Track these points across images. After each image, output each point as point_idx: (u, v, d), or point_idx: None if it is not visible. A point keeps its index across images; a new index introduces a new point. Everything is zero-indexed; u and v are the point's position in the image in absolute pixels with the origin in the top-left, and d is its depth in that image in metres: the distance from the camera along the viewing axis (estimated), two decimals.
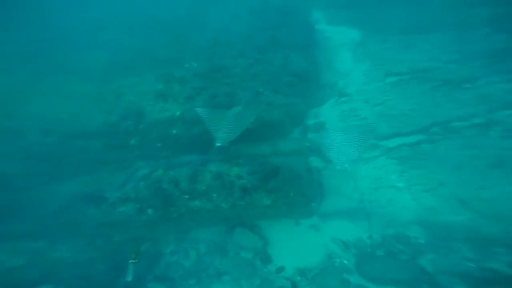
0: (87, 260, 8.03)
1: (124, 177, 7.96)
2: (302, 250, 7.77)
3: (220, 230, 8.49)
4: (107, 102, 8.34)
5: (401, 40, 9.35)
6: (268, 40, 9.30)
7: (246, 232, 8.18)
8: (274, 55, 9.40)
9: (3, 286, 7.20)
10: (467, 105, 7.71)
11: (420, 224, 7.05)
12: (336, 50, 10.24)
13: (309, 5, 12.16)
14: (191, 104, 8.12)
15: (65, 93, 8.27)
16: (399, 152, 7.80)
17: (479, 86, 7.89)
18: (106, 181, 7.84)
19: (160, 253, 8.65)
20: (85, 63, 8.74)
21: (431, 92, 8.29)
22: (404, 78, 8.82)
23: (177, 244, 8.65)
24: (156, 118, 8.14)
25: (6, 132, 7.57)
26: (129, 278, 5.65)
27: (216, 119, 7.00)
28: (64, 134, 7.87)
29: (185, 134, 8.22)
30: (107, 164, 8.26)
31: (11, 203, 7.57)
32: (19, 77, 8.32)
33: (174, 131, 8.17)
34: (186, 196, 7.65)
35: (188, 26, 11.50)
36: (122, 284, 8.24)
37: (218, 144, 6.60)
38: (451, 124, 7.60)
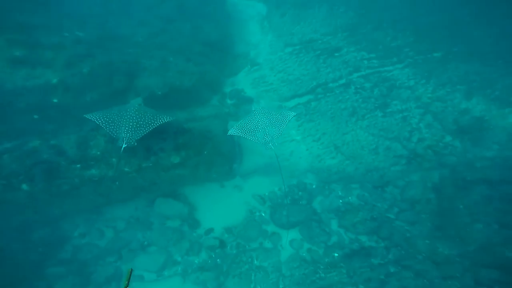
0: None
1: None
2: (228, 210, 8.07)
3: (141, 204, 8.06)
4: None
5: (296, 14, 10.47)
6: (174, 9, 8.93)
7: (169, 201, 7.95)
8: (182, 25, 8.91)
9: None
10: (337, 70, 9.37)
11: (312, 171, 8.27)
12: (246, 22, 10.70)
13: None
14: (74, 70, 6.87)
15: None
16: (297, 110, 8.91)
17: (343, 55, 9.66)
18: None
19: (65, 237, 7.76)
20: None
21: (315, 59, 9.65)
22: (296, 48, 10.00)
23: (88, 225, 7.86)
24: (21, 86, 6.95)
25: None
26: None
27: (115, 117, 5.84)
28: None
29: (74, 103, 7.13)
30: None
31: None
32: None
33: (55, 100, 6.95)
34: (78, 165, 6.62)
35: None
36: None
37: (123, 145, 5.60)
38: (328, 85, 9.19)
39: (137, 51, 8.28)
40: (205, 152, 7.48)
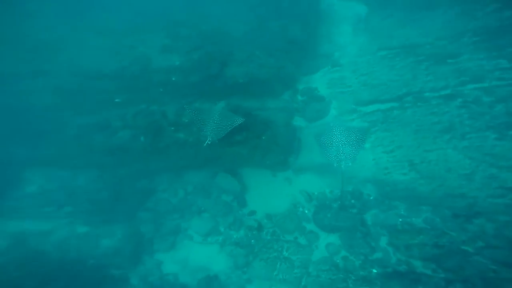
0: (97, 189, 9.15)
1: (127, 111, 8.78)
2: (273, 199, 8.32)
3: (206, 174, 9.16)
4: (121, 52, 9.41)
5: (405, 16, 9.35)
6: (272, 9, 9.84)
7: (228, 177, 8.73)
8: (273, 23, 9.46)
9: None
10: (442, 79, 7.77)
11: (374, 182, 7.44)
12: (338, 23, 10.37)
13: None
14: (189, 56, 8.67)
15: (90, 46, 9.47)
16: (373, 116, 8.09)
17: (460, 62, 7.87)
18: (114, 115, 8.94)
19: (154, 189, 9.62)
20: (109, 23, 9.83)
21: (413, 65, 8.34)
22: (393, 52, 8.92)
23: (169, 183, 9.48)
24: (159, 66, 9.04)
25: (44, 73, 8.97)
26: None
27: (203, 118, 7.03)
28: (86, 76, 9.16)
29: (183, 82, 8.69)
30: (119, 102, 9.45)
31: (42, 131, 8.97)
32: (57, 33, 9.54)
33: (174, 78, 8.72)
34: (172, 128, 8.29)
35: None
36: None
37: (207, 142, 6.69)
38: (423, 94, 7.77)
39: (233, 44, 9.57)
40: (263, 138, 7.99)
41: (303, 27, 9.57)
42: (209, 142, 6.63)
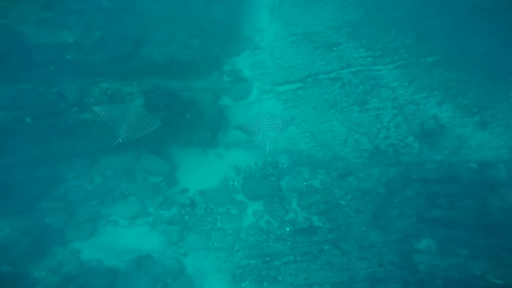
0: None
1: (3, 91, 7.57)
2: (205, 175, 8.60)
3: (128, 157, 8.66)
4: None
5: (305, 5, 10.51)
6: None
7: (153, 157, 8.45)
8: (195, 3, 9.24)
9: None
10: (330, 63, 9.44)
11: (287, 152, 8.58)
12: (257, 8, 10.91)
13: None
14: (87, 33, 7.88)
15: None
16: (285, 95, 9.21)
17: (340, 50, 9.64)
18: None
19: (60, 178, 8.64)
20: None
21: (312, 50, 9.75)
22: (299, 38, 10.09)
23: (82, 169, 8.64)
24: (41, 42, 7.61)
25: None
26: None
27: (118, 115, 6.29)
28: None
29: (83, 60, 7.90)
30: None
31: None
32: None
33: (69, 57, 7.80)
34: (75, 109, 7.61)
35: None
36: None
37: (119, 140, 6.10)
38: (318, 76, 9.34)
39: (148, 23, 8.94)
40: (188, 116, 8.00)
41: (226, 9, 9.65)
42: (120, 141, 6.08)
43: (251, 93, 9.33)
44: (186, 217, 8.09)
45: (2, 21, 7.57)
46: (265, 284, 7.28)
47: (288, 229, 7.80)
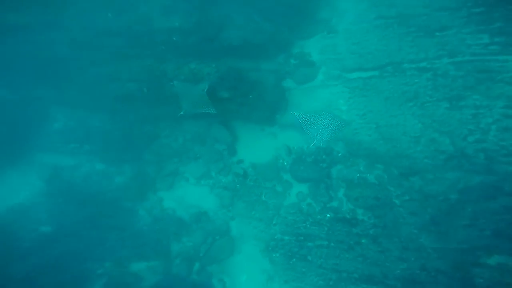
0: (110, 130, 10.52)
1: (134, 66, 9.79)
2: (259, 150, 9.22)
3: (202, 124, 9.95)
4: (126, 10, 10.10)
5: None
6: None
7: (222, 128, 9.58)
8: None
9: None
10: (424, 51, 8.09)
11: (344, 141, 8.20)
12: None
13: None
14: (188, 18, 9.33)
15: (97, 1, 10.21)
16: (354, 83, 8.62)
17: (447, 35, 8.11)
18: (122, 68, 9.97)
19: (158, 134, 10.63)
20: None
21: (402, 36, 8.58)
22: (388, 21, 9.04)
23: (171, 130, 10.40)
24: (161, 26, 9.48)
25: (57, 26, 9.92)
26: None
27: (183, 93, 7.78)
28: (96, 31, 10.04)
29: (182, 42, 9.41)
30: (128, 57, 10.44)
31: (63, 77, 10.18)
32: None
33: (174, 38, 9.46)
34: (171, 83, 9.16)
35: None
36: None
37: (181, 113, 7.61)
38: (402, 65, 8.24)
39: (231, 7, 10.01)
40: (250, 97, 8.79)
41: None
42: (182, 113, 7.61)
43: (316, 78, 9.25)
44: (238, 185, 8.94)
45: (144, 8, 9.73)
46: (294, 259, 7.56)
47: (328, 215, 7.72)
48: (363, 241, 7.14)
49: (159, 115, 10.56)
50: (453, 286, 6.34)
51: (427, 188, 7.06)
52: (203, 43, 9.66)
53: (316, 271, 7.55)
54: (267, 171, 8.77)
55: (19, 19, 9.68)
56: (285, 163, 8.74)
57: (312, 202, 8.00)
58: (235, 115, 9.33)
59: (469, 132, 7.10)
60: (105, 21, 10.02)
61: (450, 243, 6.55)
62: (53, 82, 10.22)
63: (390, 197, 7.32)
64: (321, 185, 8.02)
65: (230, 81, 8.83)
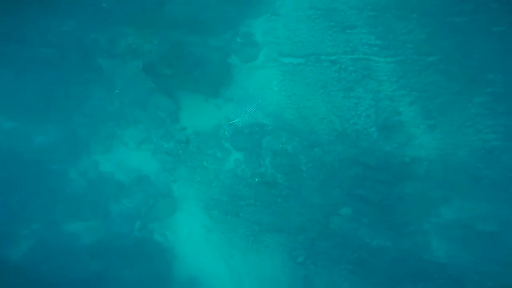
0: (19, 89, 9.78)
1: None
2: (203, 119, 9.82)
3: (143, 91, 9.88)
4: None
5: None
6: None
7: (164, 97, 9.77)
8: None
9: None
10: (337, 46, 9.79)
11: (274, 116, 9.58)
12: None
13: None
14: None
15: None
16: (287, 67, 9.88)
17: (353, 33, 9.84)
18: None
19: (89, 97, 10.19)
20: None
21: (325, 29, 10.02)
22: (317, 13, 10.25)
23: (106, 93, 10.00)
24: None
25: None
26: None
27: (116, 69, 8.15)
28: None
29: (116, 8, 9.25)
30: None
31: None
32: None
33: (104, 5, 9.13)
34: (104, 54, 9.16)
35: None
36: None
37: (116, 91, 8.11)
38: (321, 57, 9.84)
39: None
40: (194, 73, 9.20)
41: None
42: (117, 91, 7.87)
43: (257, 58, 10.08)
44: (180, 151, 9.59)
45: None
46: (229, 216, 9.00)
47: (257, 180, 9.20)
48: (278, 200, 9.07)
49: (91, 78, 10.18)
50: (321, 231, 8.92)
51: (324, 157, 9.15)
52: (142, 14, 9.43)
53: (245, 224, 9.20)
54: (209, 139, 9.60)
55: None
56: (226, 133, 9.68)
57: (245, 168, 9.36)
58: (178, 87, 9.74)
59: (351, 117, 9.28)
60: None
61: (327, 200, 8.99)
62: None
63: (299, 164, 9.21)
64: (253, 153, 9.38)
65: (173, 58, 9.07)
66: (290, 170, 8.98)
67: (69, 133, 10.20)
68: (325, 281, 8.67)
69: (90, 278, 8.92)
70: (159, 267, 9.07)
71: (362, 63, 9.60)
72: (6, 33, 9.44)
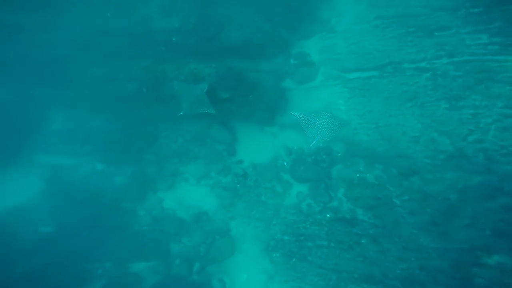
0: (110, 130, 10.29)
1: (133, 66, 9.63)
2: (259, 150, 9.10)
3: (202, 124, 9.83)
4: (125, 11, 10.01)
5: None
6: None
7: (221, 128, 9.46)
8: None
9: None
10: (423, 51, 7.96)
11: (344, 140, 8.08)
12: None
13: None
14: (188, 19, 9.27)
15: (96, 2, 10.13)
16: (354, 83, 8.51)
17: (446, 35, 8.02)
18: (123, 69, 9.64)
19: (158, 135, 10.51)
20: None
21: (402, 36, 8.47)
22: (387, 21, 8.93)
23: (171, 130, 10.27)
24: (160, 27, 9.37)
25: (56, 27, 9.82)
26: None
27: (182, 93, 7.56)
28: (95, 32, 9.96)
29: (182, 42, 9.30)
30: (123, 57, 10.33)
31: (62, 78, 9.84)
32: None
33: (174, 39, 9.34)
34: (171, 83, 8.52)
35: None
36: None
37: (181, 113, 7.38)
38: (401, 65, 8.12)
39: (231, 7, 9.88)
40: (250, 97, 8.65)
41: None
42: (182, 114, 7.41)
43: (315, 78, 9.13)
44: (238, 185, 8.80)
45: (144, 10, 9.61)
46: (294, 259, 7.45)
47: (328, 215, 7.59)
48: (362, 241, 7.01)
49: (159, 116, 10.42)
50: (453, 286, 6.22)
51: (427, 188, 6.94)
52: (203, 44, 9.55)
53: (316, 271, 7.43)
54: (267, 171, 8.65)
55: (18, 20, 9.51)
56: (285, 163, 8.62)
57: (312, 202, 7.88)
58: (234, 115, 9.19)
59: (468, 132, 6.99)
60: (104, 21, 9.88)
61: (450, 243, 6.43)
62: (53, 82, 10.07)
63: (390, 197, 7.19)
64: (321, 185, 7.90)
65: (230, 81, 8.72)
66: (376, 204, 7.10)
67: (140, 172, 10.38)
68: None
69: None
70: None
71: (472, 65, 7.59)
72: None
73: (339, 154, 8.24)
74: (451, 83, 7.53)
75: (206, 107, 7.47)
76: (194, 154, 9.86)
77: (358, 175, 7.77)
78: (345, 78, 8.75)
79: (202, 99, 7.62)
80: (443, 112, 7.40)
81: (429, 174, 7.06)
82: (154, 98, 10.00)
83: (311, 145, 6.45)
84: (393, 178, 7.36)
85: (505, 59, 7.40)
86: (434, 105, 7.58)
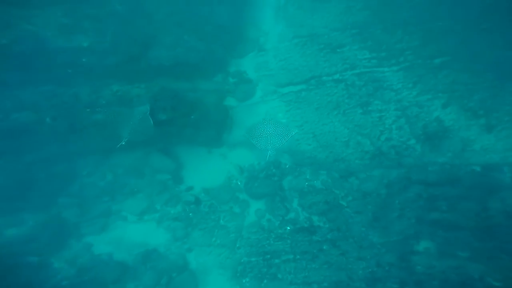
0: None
1: (26, 93, 7.87)
2: (210, 173, 8.64)
3: (138, 155, 8.78)
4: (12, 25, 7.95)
5: (311, 7, 10.34)
6: None
7: (161, 156, 8.59)
8: (201, 7, 9.31)
9: None
10: (334, 65, 9.24)
11: (289, 152, 8.49)
12: (262, 9, 10.78)
13: None
14: (100, 38, 8.07)
15: None
16: (288, 97, 9.10)
17: (344, 51, 9.40)
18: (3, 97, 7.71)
19: (76, 174, 8.80)
20: None
21: (316, 52, 9.55)
22: (303, 40, 9.92)
23: (96, 166, 8.76)
24: (60, 46, 7.81)
25: None
26: None
27: (120, 119, 6.67)
28: None
29: (97, 63, 8.09)
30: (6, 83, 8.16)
31: None
32: None
33: (84, 60, 8.00)
34: (88, 109, 7.83)
35: None
36: None
37: (122, 143, 6.37)
38: (322, 78, 9.17)
39: (156, 27, 9.13)
40: (192, 117, 8.10)
41: (231, 11, 9.74)
42: (123, 143, 6.43)
43: (255, 94, 9.27)
44: (190, 214, 8.14)
45: (31, 27, 7.88)
46: (265, 281, 7.26)
47: (288, 228, 7.72)
48: (324, 247, 7.43)
49: (74, 151, 8.75)
50: (403, 277, 7.03)
51: (363, 186, 7.90)
52: (126, 64, 8.51)
53: None
54: (221, 193, 8.28)
55: None
56: (239, 183, 8.43)
57: (271, 218, 7.94)
58: (176, 139, 8.47)
59: (380, 133, 8.25)
60: None
61: (391, 236, 7.37)
62: None
63: (337, 199, 7.90)
64: (276, 199, 8.06)
65: (166, 101, 7.99)
66: (327, 208, 7.54)
67: (51, 219, 8.59)
68: None
69: None
70: None
71: (367, 76, 8.93)
72: None
73: (287, 166, 8.56)
74: (359, 91, 8.83)
75: (150, 130, 6.59)
76: (130, 188, 8.65)
77: (307, 183, 8.23)
78: (280, 92, 9.22)
79: (145, 123, 6.70)
80: (360, 117, 8.56)
81: (362, 174, 8.05)
82: (65, 129, 8.33)
83: (267, 157, 6.63)
84: (336, 181, 8.09)
85: (383, 70, 9.07)
86: (352, 111, 8.70)
